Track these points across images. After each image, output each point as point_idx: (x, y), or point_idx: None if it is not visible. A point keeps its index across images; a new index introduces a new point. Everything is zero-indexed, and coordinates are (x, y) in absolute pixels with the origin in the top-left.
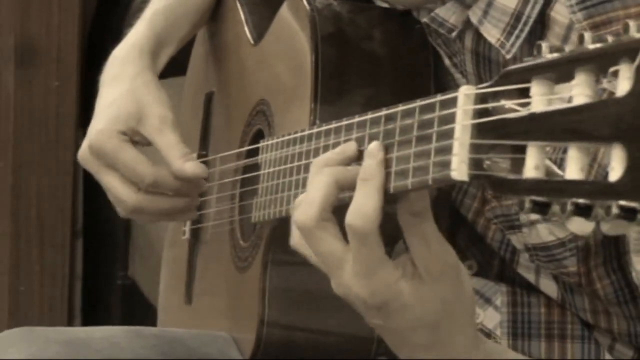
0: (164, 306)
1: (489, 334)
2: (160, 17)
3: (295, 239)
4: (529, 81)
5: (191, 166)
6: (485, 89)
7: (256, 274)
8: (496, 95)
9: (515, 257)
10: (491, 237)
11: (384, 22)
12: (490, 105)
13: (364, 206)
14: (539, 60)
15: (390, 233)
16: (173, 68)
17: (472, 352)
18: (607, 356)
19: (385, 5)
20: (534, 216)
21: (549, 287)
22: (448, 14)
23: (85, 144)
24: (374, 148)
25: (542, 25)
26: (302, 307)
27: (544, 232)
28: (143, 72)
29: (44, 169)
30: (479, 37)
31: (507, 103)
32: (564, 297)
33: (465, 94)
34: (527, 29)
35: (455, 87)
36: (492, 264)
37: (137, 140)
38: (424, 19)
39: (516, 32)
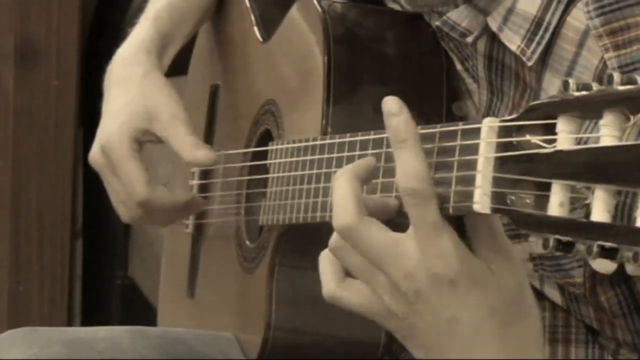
0: (165, 298)
1: None
2: (164, 14)
3: (334, 247)
4: (555, 117)
5: (203, 153)
6: (510, 122)
7: (263, 276)
8: (520, 129)
9: None
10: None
11: (396, 25)
12: (514, 139)
13: (412, 167)
14: (566, 97)
15: None
16: (173, 68)
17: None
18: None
19: (396, 7)
20: None
21: (553, 295)
22: (460, 18)
23: (96, 146)
24: (395, 107)
25: (553, 32)
26: (308, 311)
27: None
28: (151, 73)
29: (44, 169)
30: (492, 41)
31: (532, 138)
32: (568, 305)
33: (489, 126)
34: (547, 35)
35: (467, 92)
36: None
37: (148, 140)
38: (436, 23)
39: (537, 38)
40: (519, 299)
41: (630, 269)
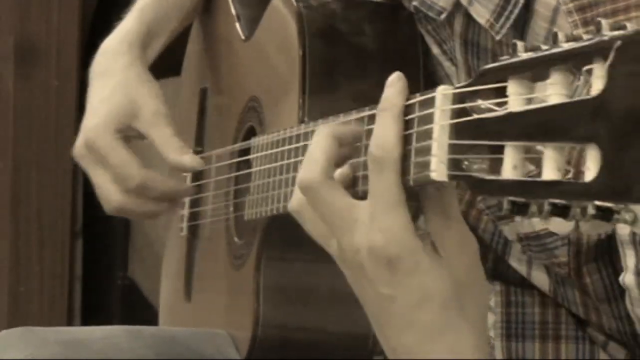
0: (165, 303)
1: None
2: (149, 9)
3: (295, 202)
4: (505, 80)
5: (189, 158)
6: (463, 88)
7: (250, 272)
8: (474, 95)
9: (507, 249)
10: (483, 228)
11: (372, 15)
12: (467, 105)
13: (384, 135)
14: (514, 60)
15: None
16: (170, 68)
17: (479, 355)
18: (602, 355)
19: None
20: None
21: (541, 279)
22: None
23: (80, 140)
24: (394, 77)
25: (527, 7)
26: (297, 304)
27: (536, 221)
28: (134, 65)
29: (44, 169)
30: (468, 20)
31: (484, 102)
32: (555, 289)
33: (443, 94)
34: (516, 10)
35: (445, 76)
36: (487, 257)
37: (132, 135)
38: (414, 3)
39: (506, 13)
40: (464, 284)
41: (585, 227)
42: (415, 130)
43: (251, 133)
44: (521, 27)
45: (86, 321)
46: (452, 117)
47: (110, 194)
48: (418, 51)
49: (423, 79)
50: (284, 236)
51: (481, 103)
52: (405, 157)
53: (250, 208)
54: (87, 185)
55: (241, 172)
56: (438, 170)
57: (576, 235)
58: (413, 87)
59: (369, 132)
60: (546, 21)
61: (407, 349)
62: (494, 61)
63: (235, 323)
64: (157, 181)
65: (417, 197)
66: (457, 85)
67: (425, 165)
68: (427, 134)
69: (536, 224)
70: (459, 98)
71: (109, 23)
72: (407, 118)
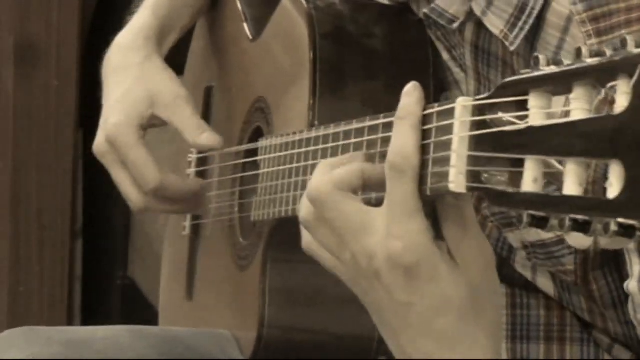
0: (165, 302)
1: None
2: (163, 4)
3: (305, 212)
4: (526, 94)
5: (208, 137)
6: (483, 100)
7: (256, 273)
8: (494, 107)
9: (512, 256)
10: (488, 234)
11: (382, 19)
12: (488, 117)
13: (403, 144)
14: (536, 73)
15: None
16: (173, 68)
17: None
18: (607, 357)
19: (384, 0)
20: None
21: (546, 285)
22: (448, 5)
23: (101, 137)
24: (410, 87)
25: (540, 17)
26: (302, 306)
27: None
28: (150, 58)
29: (44, 169)
30: (479, 29)
31: (505, 115)
32: (561, 295)
33: (462, 105)
34: (530, 20)
35: (454, 82)
36: None
37: (154, 124)
38: (424, 10)
39: (520, 23)
40: (480, 291)
41: (604, 242)
42: (433, 140)
43: (258, 134)
44: (532, 37)
45: (86, 321)
46: (472, 129)
47: (131, 196)
48: (428, 56)
49: (433, 83)
50: (291, 238)
51: (502, 116)
52: (422, 167)
53: (257, 209)
54: (87, 185)
55: (248, 173)
56: (457, 181)
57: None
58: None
59: (384, 140)
60: (558, 30)
61: (424, 356)
62: (504, 69)
63: (240, 324)
64: (174, 182)
65: (433, 205)
66: (477, 97)
67: (444, 176)
68: (446, 145)
69: (543, 232)
70: (478, 110)
71: (109, 23)
72: (424, 128)
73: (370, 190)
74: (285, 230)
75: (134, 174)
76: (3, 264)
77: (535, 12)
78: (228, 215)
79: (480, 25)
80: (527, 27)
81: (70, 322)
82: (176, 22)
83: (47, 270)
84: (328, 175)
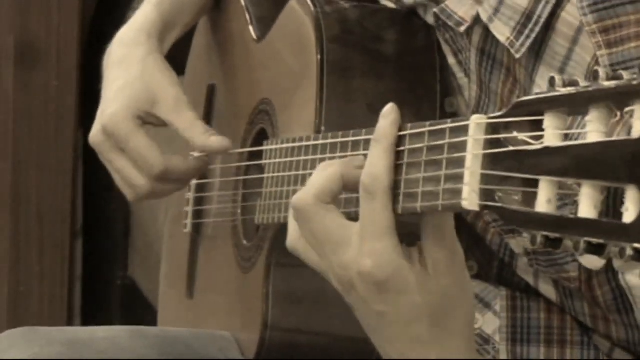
0: (165, 299)
1: (487, 340)
2: (166, 0)
3: (290, 238)
4: (542, 114)
5: (217, 140)
6: (497, 119)
7: (259, 276)
8: (508, 126)
9: (514, 261)
10: (490, 239)
11: (390, 23)
12: (502, 135)
13: (376, 166)
14: (552, 94)
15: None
16: (173, 68)
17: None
18: None
19: (391, 5)
20: None
21: (548, 291)
22: (458, 7)
23: (97, 126)
24: (387, 109)
25: (547, 26)
26: (305, 309)
27: None
28: (152, 55)
29: (44, 168)
30: (487, 33)
31: (520, 135)
32: (563, 301)
33: (476, 123)
34: (537, 29)
35: (458, 87)
36: (492, 265)
37: (151, 122)
38: (435, 9)
39: (526, 31)
40: (451, 296)
41: (618, 264)
42: (446, 156)
43: (262, 135)
44: (538, 46)
45: (86, 321)
46: (486, 147)
47: (135, 179)
48: (435, 60)
49: (440, 88)
50: None
51: (517, 135)
52: (433, 181)
53: (261, 213)
54: (87, 185)
55: (252, 177)
56: (470, 199)
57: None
58: (429, 97)
59: (365, 157)
60: (567, 41)
61: (400, 355)
62: (506, 77)
63: (242, 325)
64: (178, 164)
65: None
66: (491, 115)
67: (456, 193)
68: (459, 162)
69: None
70: (492, 128)
71: (109, 23)
72: (435, 143)
73: (351, 192)
74: None
75: (137, 160)
76: (3, 264)
77: (542, 21)
78: (231, 216)
79: (488, 30)
80: (533, 35)
81: (70, 322)
82: (179, 18)
83: (47, 270)
84: (310, 186)
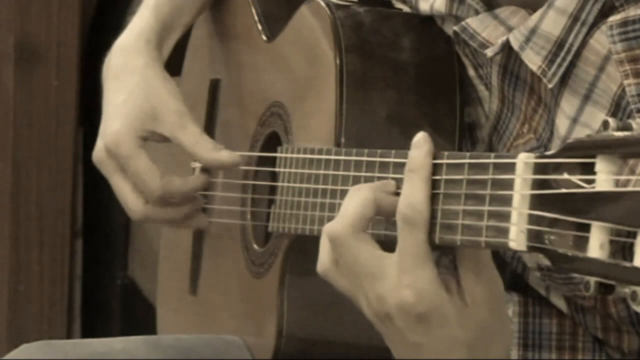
0: (165, 293)
1: None
2: (164, 4)
3: (321, 263)
4: (593, 156)
5: (226, 154)
6: (547, 159)
7: (273, 283)
8: (558, 167)
9: (526, 273)
10: (503, 250)
11: (408, 29)
12: (552, 177)
13: (415, 196)
14: (606, 137)
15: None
16: (169, 68)
17: None
18: None
19: (405, 8)
20: None
21: (559, 304)
22: (481, 27)
23: (100, 144)
24: (420, 139)
25: (576, 53)
26: (320, 318)
27: None
28: (151, 64)
29: (43, 169)
30: (510, 54)
31: (572, 177)
32: (574, 315)
33: (525, 162)
34: (569, 57)
35: (477, 99)
36: (504, 271)
37: (155, 139)
38: (455, 28)
39: (558, 60)
40: (489, 329)
41: None
42: (489, 192)
43: (274, 138)
44: (564, 72)
45: (86, 321)
46: (533, 187)
47: (132, 204)
48: (454, 70)
49: (459, 99)
50: (310, 252)
51: (569, 177)
52: (474, 216)
53: (276, 221)
54: (87, 185)
55: (263, 183)
56: (518, 240)
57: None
58: (449, 107)
59: (395, 181)
60: (594, 68)
61: None
62: (530, 95)
63: (255, 331)
64: (177, 186)
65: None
66: (540, 154)
67: (503, 232)
68: (505, 200)
69: None
70: (540, 168)
71: (109, 23)
72: (478, 177)
73: (384, 215)
74: (306, 244)
75: (136, 183)
76: (3, 264)
77: (574, 49)
78: (239, 217)
79: (511, 51)
80: (565, 64)
81: (70, 322)
82: (178, 20)
83: (47, 270)
84: (345, 216)
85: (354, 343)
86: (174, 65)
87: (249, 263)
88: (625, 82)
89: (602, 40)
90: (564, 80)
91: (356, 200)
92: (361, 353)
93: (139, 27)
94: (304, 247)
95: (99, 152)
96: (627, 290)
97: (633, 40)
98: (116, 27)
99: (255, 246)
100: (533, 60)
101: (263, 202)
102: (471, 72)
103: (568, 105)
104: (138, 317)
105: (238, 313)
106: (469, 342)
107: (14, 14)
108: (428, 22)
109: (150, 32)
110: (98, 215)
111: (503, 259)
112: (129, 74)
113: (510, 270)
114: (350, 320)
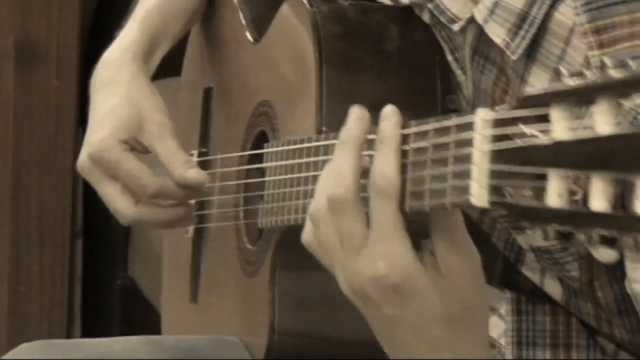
0: (168, 304)
1: (493, 344)
2: (153, 16)
3: (306, 234)
4: (548, 106)
5: (193, 173)
6: (505, 114)
7: (265, 279)
8: (514, 120)
9: (521, 257)
10: (497, 236)
11: (388, 20)
12: (509, 130)
13: (384, 167)
14: (559, 87)
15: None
16: (169, 68)
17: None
18: None
19: (387, 2)
20: None
21: (553, 288)
22: (451, 3)
23: (84, 153)
24: (389, 111)
25: (541, 26)
26: (312, 313)
27: None
28: (138, 77)
29: (44, 169)
30: (481, 33)
31: (528, 129)
32: (568, 300)
33: (483, 119)
34: (532, 30)
35: (456, 84)
36: (495, 266)
37: (137, 149)
38: (429, 5)
39: (522, 32)
40: (466, 301)
41: (629, 254)
42: (452, 153)
43: (262, 138)
44: (530, 47)
45: (86, 321)
46: (493, 142)
47: (123, 208)
48: (434, 57)
49: (440, 84)
50: (299, 244)
51: (525, 129)
52: (439, 179)
53: (264, 216)
54: (87, 185)
55: (253, 180)
56: (479, 196)
57: (586, 249)
58: (431, 94)
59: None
60: (561, 41)
61: (415, 358)
62: (498, 77)
63: (249, 330)
64: (171, 186)
65: (424, 220)
66: (498, 109)
67: (465, 190)
68: (466, 158)
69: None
70: (499, 123)
71: (109, 23)
72: (441, 140)
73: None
74: (295, 237)
75: (129, 184)
76: (3, 264)
77: (538, 21)
78: (233, 219)
79: (481, 30)
80: (529, 36)
81: (70, 322)
82: (167, 32)
83: (47, 270)
84: (350, 180)
85: (346, 338)
86: (173, 66)
87: (243, 263)
88: (590, 53)
89: (567, 13)
90: (531, 55)
91: (345, 156)
92: (354, 347)
93: (126, 41)
94: (294, 240)
95: (83, 162)
96: (582, 235)
97: (596, 11)
98: (116, 28)
99: (248, 245)
100: (497, 33)
101: (255, 200)
102: (449, 56)
103: (537, 80)
104: (138, 317)
105: (236, 314)
106: (447, 315)
107: (14, 14)
108: (407, 13)
109: (137, 46)
110: (98, 215)
111: (496, 248)
112: (115, 86)
113: (503, 261)
114: (343, 314)
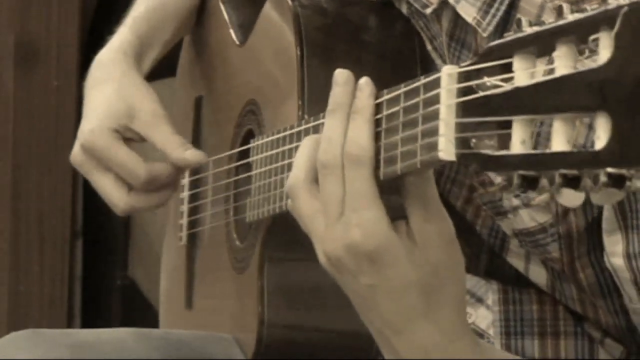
0: (166, 313)
1: (481, 334)
2: (142, 21)
3: (298, 181)
4: (510, 56)
5: (192, 153)
6: (468, 66)
7: (253, 274)
8: (479, 73)
9: (505, 244)
10: (481, 224)
11: (367, 13)
12: (473, 82)
13: (357, 136)
14: (519, 35)
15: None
16: (166, 69)
17: (460, 333)
18: (601, 350)
19: None
20: (516, 201)
21: (538, 274)
22: None
23: (77, 145)
24: (362, 82)
25: (512, 5)
26: (301, 305)
27: (526, 218)
28: (129, 73)
29: (44, 169)
30: (456, 17)
31: (490, 79)
32: (553, 284)
33: (448, 74)
34: (503, 7)
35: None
36: (480, 258)
37: (129, 137)
38: None
39: (492, 10)
40: (441, 268)
41: (596, 198)
42: (421, 113)
43: (250, 136)
44: (502, 27)
45: (86, 321)
46: (459, 96)
47: (116, 197)
48: (414, 48)
49: (421, 74)
50: (286, 237)
51: (487, 80)
52: (410, 140)
53: (251, 210)
54: (87, 185)
55: (241, 176)
56: (446, 149)
57: (566, 227)
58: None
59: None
60: (532, 17)
61: (393, 327)
62: None
63: (240, 326)
64: (162, 169)
65: (395, 185)
66: (462, 64)
67: (433, 146)
68: (434, 115)
69: (527, 220)
70: (464, 77)
71: (109, 23)
72: (411, 102)
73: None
74: (281, 230)
75: (120, 172)
76: (3, 264)
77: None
78: (224, 220)
79: (457, 14)
80: (499, 14)
81: (70, 322)
82: (157, 37)
83: (47, 270)
84: (302, 170)
85: (337, 329)
86: (171, 66)
87: (233, 261)
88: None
89: None
90: (502, 33)
91: (301, 148)
92: (344, 338)
93: (117, 42)
94: (280, 233)
95: (75, 154)
96: (545, 180)
97: None
98: (116, 27)
99: (237, 243)
100: (468, 12)
101: (243, 196)
102: (429, 46)
103: None
104: (138, 317)
105: (228, 313)
106: (422, 284)
107: (14, 14)
108: (388, 7)
109: (127, 46)
110: (98, 215)
111: (480, 238)
112: (107, 83)
113: (488, 251)
114: (333, 306)
